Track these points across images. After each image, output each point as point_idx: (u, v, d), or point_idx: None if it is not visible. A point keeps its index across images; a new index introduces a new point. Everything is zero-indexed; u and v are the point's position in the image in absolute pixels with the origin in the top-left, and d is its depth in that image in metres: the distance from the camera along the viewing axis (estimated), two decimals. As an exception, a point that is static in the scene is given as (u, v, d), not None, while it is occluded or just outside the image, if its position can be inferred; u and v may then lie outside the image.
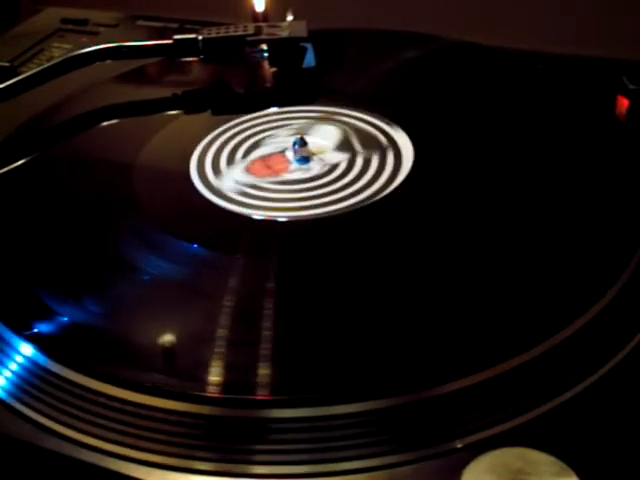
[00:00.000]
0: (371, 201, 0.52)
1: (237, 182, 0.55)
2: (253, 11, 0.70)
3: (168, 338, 0.45)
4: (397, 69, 0.67)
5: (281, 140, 0.59)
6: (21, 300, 0.48)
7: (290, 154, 0.57)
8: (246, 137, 0.60)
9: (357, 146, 0.58)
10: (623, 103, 0.57)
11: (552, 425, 0.39)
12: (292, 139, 0.57)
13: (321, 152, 0.57)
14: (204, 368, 0.42)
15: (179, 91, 0.67)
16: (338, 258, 0.49)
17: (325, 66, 0.67)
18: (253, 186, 0.55)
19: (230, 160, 0.58)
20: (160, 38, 0.68)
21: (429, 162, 0.55)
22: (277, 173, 0.56)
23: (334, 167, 0.56)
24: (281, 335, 0.44)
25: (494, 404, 0.40)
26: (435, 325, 0.44)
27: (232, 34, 0.66)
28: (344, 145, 0.58)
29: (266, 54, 0.67)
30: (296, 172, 0.56)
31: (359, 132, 0.59)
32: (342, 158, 0.57)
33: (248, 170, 0.56)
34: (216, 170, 0.57)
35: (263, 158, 0.58)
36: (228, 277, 0.47)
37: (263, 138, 0.60)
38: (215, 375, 0.41)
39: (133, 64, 0.69)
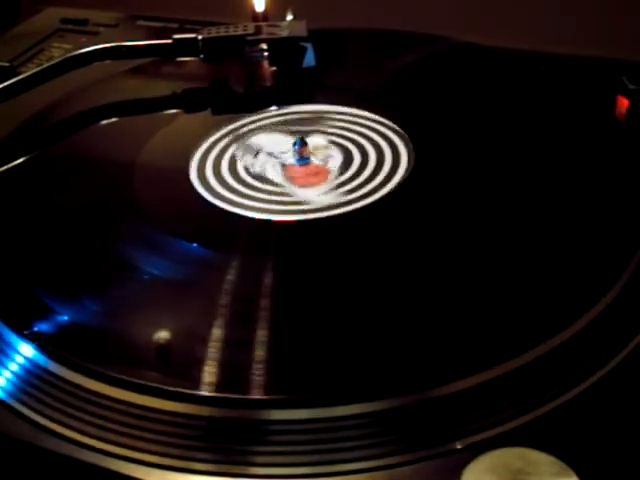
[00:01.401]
0: (371, 201, 0.52)
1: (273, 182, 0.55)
2: (253, 11, 0.70)
3: (168, 338, 0.45)
4: (397, 69, 0.67)
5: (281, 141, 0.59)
6: (21, 300, 0.48)
7: (333, 162, 0.57)
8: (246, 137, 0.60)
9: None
10: (623, 103, 0.57)
11: (552, 425, 0.39)
12: (293, 139, 0.57)
13: (317, 150, 0.58)
14: (204, 368, 0.42)
15: (179, 90, 0.67)
16: (338, 258, 0.49)
17: (325, 66, 0.67)
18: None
19: (231, 162, 0.57)
20: (160, 38, 0.68)
21: (429, 162, 0.55)
22: (316, 184, 0.55)
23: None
24: (281, 335, 0.44)
25: (494, 405, 0.40)
26: (435, 326, 0.44)
27: (232, 34, 0.66)
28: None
29: (266, 54, 0.67)
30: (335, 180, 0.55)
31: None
32: (338, 157, 0.57)
33: (291, 179, 0.56)
34: (216, 171, 0.57)
35: (302, 167, 0.57)
36: (228, 277, 0.47)
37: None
38: (215, 375, 0.41)
39: (132, 64, 0.69)
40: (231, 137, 0.60)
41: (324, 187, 0.54)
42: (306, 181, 0.55)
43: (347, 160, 0.57)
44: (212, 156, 0.58)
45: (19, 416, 0.42)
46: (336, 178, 0.55)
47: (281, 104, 0.63)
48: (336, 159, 0.57)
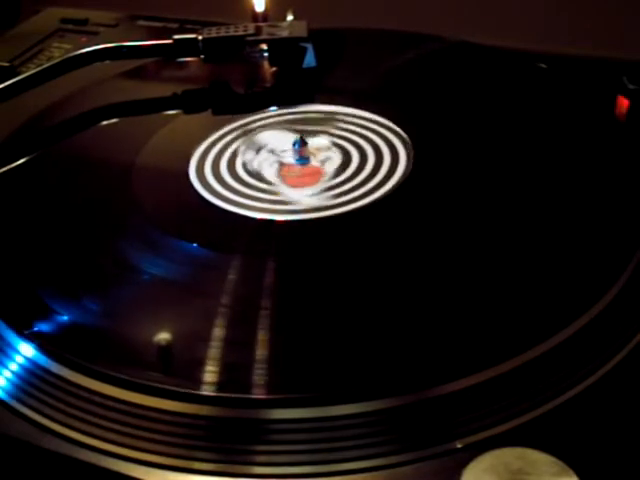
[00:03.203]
0: (371, 201, 0.52)
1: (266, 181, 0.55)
2: (253, 11, 0.70)
3: (168, 338, 0.45)
4: (397, 69, 0.67)
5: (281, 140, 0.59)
6: (21, 300, 0.48)
7: (329, 165, 0.57)
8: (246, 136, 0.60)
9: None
10: (623, 103, 0.57)
11: (552, 425, 0.39)
12: (293, 139, 0.57)
13: (318, 151, 0.58)
14: (204, 368, 0.42)
15: (179, 91, 0.67)
16: (339, 258, 0.49)
17: (325, 66, 0.67)
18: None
19: (230, 163, 0.57)
20: (160, 38, 0.68)
21: (428, 162, 0.55)
22: (308, 185, 0.55)
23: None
24: (281, 335, 0.44)
25: (494, 404, 0.40)
26: (435, 325, 0.44)
27: (232, 34, 0.66)
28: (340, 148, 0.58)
29: (266, 54, 0.67)
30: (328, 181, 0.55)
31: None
32: (338, 157, 0.57)
33: (284, 179, 0.56)
34: (215, 171, 0.57)
35: (299, 167, 0.57)
36: (228, 277, 0.47)
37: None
38: (215, 375, 0.41)
39: (133, 64, 0.69)
40: (239, 132, 0.60)
41: (314, 189, 0.54)
42: (298, 181, 0.55)
43: (345, 162, 0.56)
44: (211, 156, 0.58)
45: (19, 416, 0.42)
46: (328, 180, 0.55)
47: (281, 104, 0.63)
48: (334, 161, 0.57)
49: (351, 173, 0.55)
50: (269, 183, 0.55)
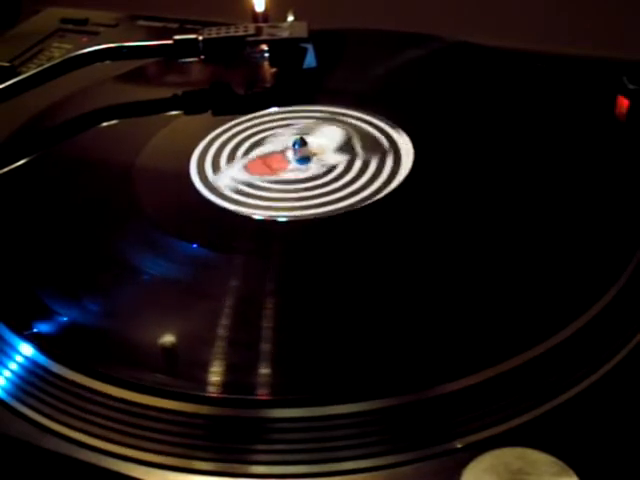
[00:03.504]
0: (371, 201, 0.52)
1: (234, 179, 0.55)
2: (253, 11, 0.70)
3: (168, 338, 0.45)
4: (397, 69, 0.67)
5: (282, 140, 0.59)
6: (21, 300, 0.48)
7: (290, 154, 0.57)
8: (247, 137, 0.60)
9: (358, 148, 0.58)
10: (623, 103, 0.57)
11: (552, 425, 0.40)
12: (293, 139, 0.57)
13: (321, 152, 0.57)
14: (204, 368, 0.42)
15: (179, 91, 0.67)
16: (338, 258, 0.49)
17: (325, 66, 0.67)
18: (250, 184, 0.55)
19: (230, 160, 0.58)
20: (160, 38, 0.68)
21: (429, 162, 0.55)
22: (275, 172, 0.56)
23: (333, 167, 0.56)
24: (280, 335, 0.44)
25: (494, 404, 0.40)
26: (434, 325, 0.44)
27: (232, 34, 0.66)
28: (345, 147, 0.58)
29: (267, 55, 0.67)
30: (294, 172, 0.56)
31: (361, 133, 0.59)
32: (341, 159, 0.57)
33: (247, 168, 0.56)
34: (216, 169, 0.57)
35: (263, 157, 0.58)
36: (228, 277, 0.47)
37: (264, 137, 0.60)
38: (215, 375, 0.41)
39: (133, 64, 0.69)
40: (223, 140, 0.60)
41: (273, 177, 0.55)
42: (259, 169, 0.56)
43: (350, 160, 0.57)
44: (210, 155, 0.58)
45: (19, 416, 0.42)
46: (290, 172, 0.55)
47: (281, 105, 0.63)
48: (335, 160, 0.57)
49: (356, 171, 0.55)
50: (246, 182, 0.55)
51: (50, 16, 0.83)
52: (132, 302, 0.47)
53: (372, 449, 0.39)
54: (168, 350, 0.44)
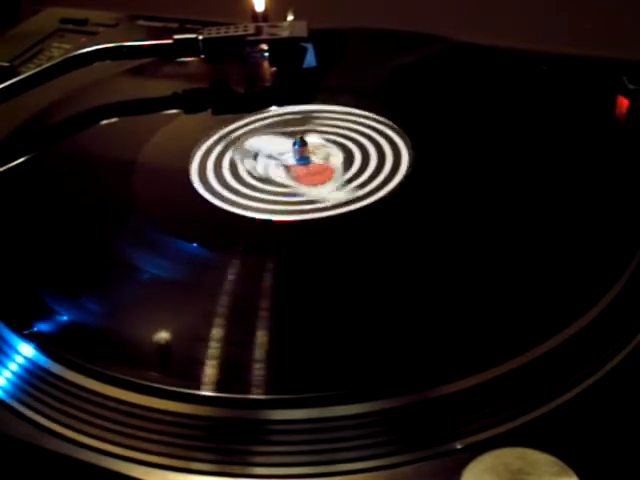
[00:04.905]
0: (371, 201, 0.52)
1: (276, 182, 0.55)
2: (253, 11, 0.70)
3: (167, 338, 0.45)
4: (397, 69, 0.67)
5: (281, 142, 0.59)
6: (21, 300, 0.48)
7: (334, 161, 0.57)
8: (247, 137, 0.60)
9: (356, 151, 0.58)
10: (623, 103, 0.57)
11: (552, 425, 0.39)
12: (293, 139, 0.57)
13: (317, 150, 0.58)
14: (204, 368, 0.42)
15: (179, 90, 0.67)
16: (338, 258, 0.49)
17: (325, 66, 0.67)
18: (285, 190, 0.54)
19: (233, 165, 0.57)
20: (160, 38, 0.68)
21: (429, 162, 0.55)
22: (323, 182, 0.55)
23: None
24: (281, 335, 0.44)
25: (494, 405, 0.40)
26: (435, 326, 0.44)
27: (233, 34, 0.66)
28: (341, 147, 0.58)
29: (267, 54, 0.67)
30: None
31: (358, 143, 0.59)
32: (338, 157, 0.57)
33: (293, 176, 0.56)
34: (216, 170, 0.57)
35: (306, 166, 0.57)
36: (228, 277, 0.47)
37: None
38: (215, 375, 0.41)
39: (133, 64, 0.69)
40: (225, 142, 0.60)
41: (332, 184, 0.54)
42: (313, 180, 0.55)
43: (348, 158, 0.57)
44: (213, 156, 0.58)
45: (19, 416, 0.42)
46: (343, 174, 0.55)
47: (281, 104, 0.63)
48: (337, 157, 0.57)
49: (359, 167, 0.55)
50: (284, 186, 0.55)
51: (50, 16, 0.83)
52: (132, 302, 0.47)
53: (372, 450, 0.39)
54: (168, 350, 0.44)
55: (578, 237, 0.48)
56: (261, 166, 0.57)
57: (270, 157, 0.58)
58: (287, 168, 0.57)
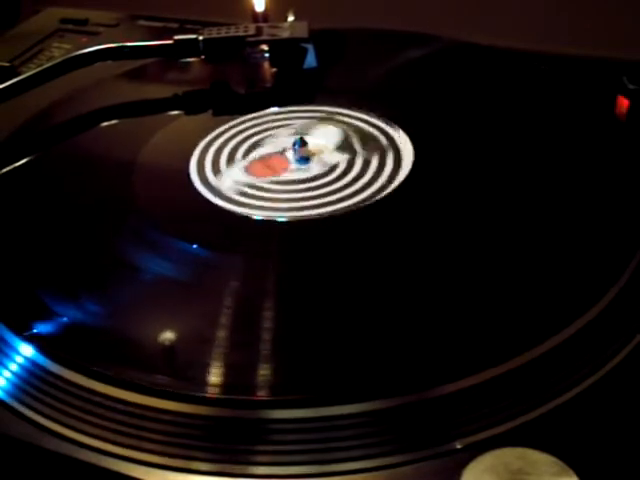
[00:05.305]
0: (371, 201, 0.52)
1: (236, 182, 0.55)
2: (253, 11, 0.70)
3: (168, 338, 0.45)
4: (397, 69, 0.67)
5: (281, 140, 0.59)
6: (21, 300, 0.48)
7: (290, 154, 0.57)
8: (246, 137, 0.60)
9: (357, 147, 0.58)
10: (623, 103, 0.57)
11: (552, 425, 0.40)
12: (292, 139, 0.57)
13: (321, 152, 0.57)
14: (204, 368, 0.42)
15: (180, 91, 0.67)
16: (338, 258, 0.49)
17: (325, 66, 0.67)
18: (252, 186, 0.55)
19: (230, 160, 0.58)
20: (160, 38, 0.68)
21: (429, 162, 0.55)
22: (277, 173, 0.56)
23: (334, 167, 0.56)
24: (280, 336, 0.44)
25: (494, 405, 0.40)
26: (435, 326, 0.44)
27: (233, 34, 0.66)
28: (344, 145, 0.58)
29: (267, 55, 0.67)
30: (296, 172, 0.56)
31: (359, 132, 0.59)
32: (342, 158, 0.57)
33: (248, 170, 0.56)
34: (216, 170, 0.57)
35: (263, 158, 0.58)
36: (228, 277, 0.47)
37: (263, 138, 0.60)
38: (215, 375, 0.41)
39: (133, 64, 0.69)
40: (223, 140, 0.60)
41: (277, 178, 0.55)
42: (260, 171, 0.56)
43: (349, 159, 0.56)
44: (210, 155, 0.58)
45: (19, 416, 0.42)
46: (292, 173, 0.55)
47: (282, 105, 0.63)
48: (337, 157, 0.57)
49: (357, 172, 0.55)
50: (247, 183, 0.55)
51: (50, 16, 0.83)
52: (132, 302, 0.47)
53: (372, 449, 0.39)
54: (168, 351, 0.44)
55: (578, 237, 0.48)
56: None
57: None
58: (255, 158, 0.57)
